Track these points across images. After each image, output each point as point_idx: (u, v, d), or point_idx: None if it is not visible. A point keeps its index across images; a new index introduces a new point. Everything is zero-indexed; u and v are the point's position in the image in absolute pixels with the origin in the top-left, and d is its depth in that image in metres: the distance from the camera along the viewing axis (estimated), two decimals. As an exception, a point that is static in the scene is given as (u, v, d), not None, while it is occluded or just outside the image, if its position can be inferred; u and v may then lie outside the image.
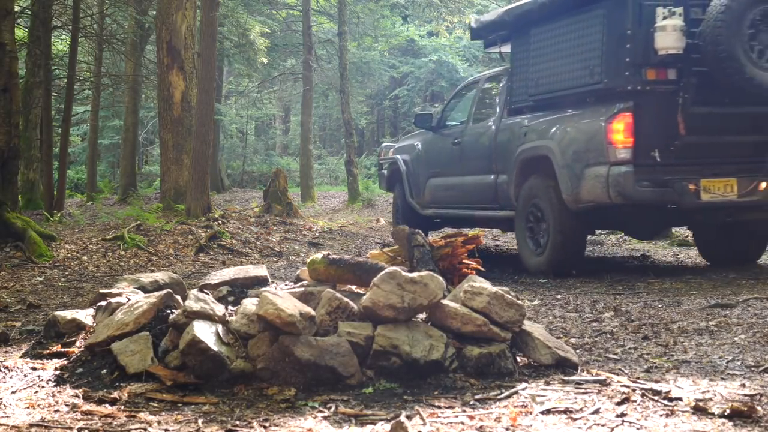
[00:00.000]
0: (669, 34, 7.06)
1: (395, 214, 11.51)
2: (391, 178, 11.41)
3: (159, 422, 3.36)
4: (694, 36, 7.19)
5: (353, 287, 4.65)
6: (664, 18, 7.15)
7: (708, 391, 3.71)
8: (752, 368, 4.17)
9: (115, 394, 3.69)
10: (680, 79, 7.22)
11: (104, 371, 3.98)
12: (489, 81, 9.79)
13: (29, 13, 16.98)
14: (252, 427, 3.30)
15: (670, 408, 3.46)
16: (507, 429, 3.25)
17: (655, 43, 7.13)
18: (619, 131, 7.16)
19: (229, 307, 4.25)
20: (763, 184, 7.37)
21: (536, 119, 8.29)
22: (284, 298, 3.94)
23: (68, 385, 3.90)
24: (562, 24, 7.98)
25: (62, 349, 4.39)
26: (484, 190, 9.03)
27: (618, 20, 7.31)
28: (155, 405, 3.60)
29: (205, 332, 3.87)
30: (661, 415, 3.38)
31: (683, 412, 3.42)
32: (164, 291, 4.39)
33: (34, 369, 4.15)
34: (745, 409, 3.34)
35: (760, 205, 7.46)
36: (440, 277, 4.13)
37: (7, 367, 4.16)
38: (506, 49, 9.46)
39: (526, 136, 8.30)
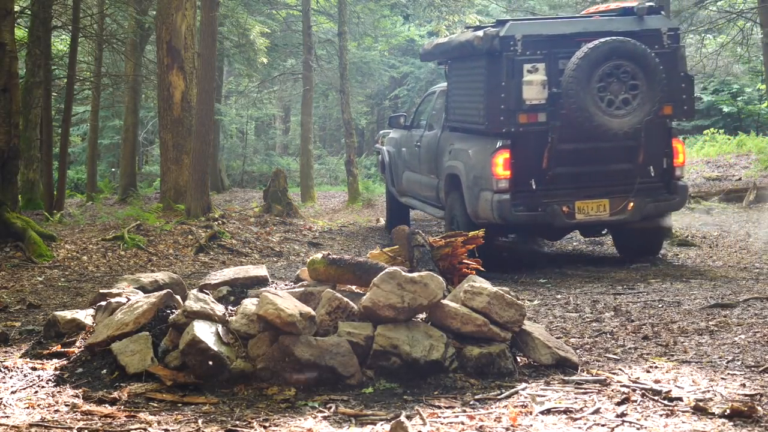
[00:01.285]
0: (533, 87, 8.24)
1: (387, 196, 13.02)
2: (383, 164, 12.80)
3: (159, 422, 3.36)
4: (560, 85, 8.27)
5: (353, 287, 4.65)
6: (529, 72, 8.29)
7: (708, 391, 3.71)
8: (752, 368, 4.17)
9: (115, 394, 3.69)
10: (548, 121, 8.32)
11: (104, 371, 3.98)
12: (441, 95, 10.69)
13: (29, 13, 16.94)
14: (252, 427, 3.30)
15: (670, 408, 3.47)
16: (507, 429, 3.25)
17: (522, 94, 8.28)
18: (499, 165, 8.38)
19: (229, 307, 4.25)
20: (631, 204, 8.52)
21: (458, 140, 9.47)
22: (284, 298, 3.94)
23: (68, 385, 3.90)
24: (465, 66, 9.21)
25: (62, 349, 4.39)
26: (431, 190, 10.27)
27: (495, 72, 8.42)
28: (155, 405, 3.60)
29: (205, 332, 3.87)
30: (661, 415, 3.38)
31: (683, 412, 3.42)
32: (164, 291, 4.39)
33: (34, 369, 4.15)
34: (745, 409, 3.34)
35: (628, 222, 8.66)
36: (440, 277, 4.14)
37: (7, 367, 4.16)
38: None
39: (450, 154, 9.49)
